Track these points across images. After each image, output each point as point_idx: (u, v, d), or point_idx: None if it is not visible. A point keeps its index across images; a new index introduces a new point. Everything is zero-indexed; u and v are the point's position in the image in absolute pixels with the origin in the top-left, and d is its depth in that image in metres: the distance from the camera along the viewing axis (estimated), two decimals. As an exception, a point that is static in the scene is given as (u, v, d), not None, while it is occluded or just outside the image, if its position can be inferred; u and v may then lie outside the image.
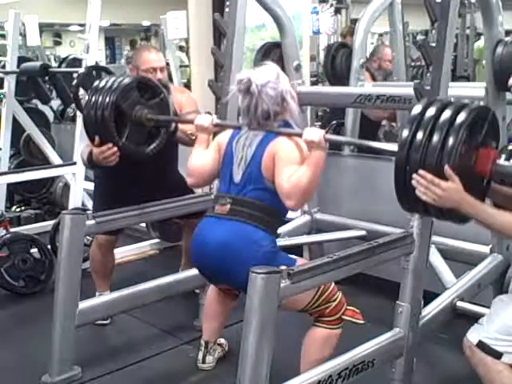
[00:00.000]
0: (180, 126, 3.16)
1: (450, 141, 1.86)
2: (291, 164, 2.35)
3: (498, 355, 2.13)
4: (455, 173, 1.87)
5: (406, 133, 1.93)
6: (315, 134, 2.31)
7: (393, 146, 2.07)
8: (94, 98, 2.88)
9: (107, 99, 2.82)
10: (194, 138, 2.81)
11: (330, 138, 2.35)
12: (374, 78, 4.46)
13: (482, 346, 2.15)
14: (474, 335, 2.19)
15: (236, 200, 2.43)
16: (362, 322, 2.54)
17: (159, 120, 2.98)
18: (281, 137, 2.43)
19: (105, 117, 2.83)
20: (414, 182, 1.90)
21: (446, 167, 1.86)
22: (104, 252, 3.36)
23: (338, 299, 2.48)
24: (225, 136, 2.60)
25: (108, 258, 3.40)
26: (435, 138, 1.88)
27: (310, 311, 2.47)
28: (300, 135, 2.36)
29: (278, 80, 2.45)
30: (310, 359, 2.44)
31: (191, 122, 2.78)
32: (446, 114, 1.91)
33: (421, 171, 1.89)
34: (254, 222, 2.38)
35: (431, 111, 1.93)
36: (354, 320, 2.52)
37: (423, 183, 1.89)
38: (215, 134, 2.70)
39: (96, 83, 2.95)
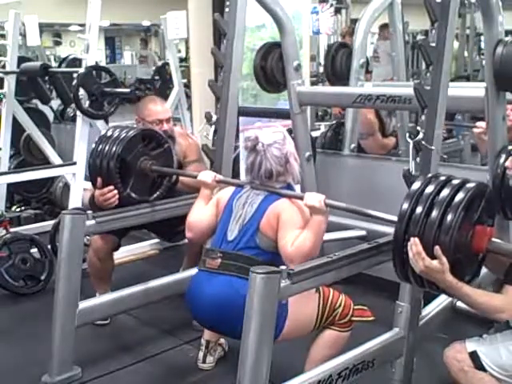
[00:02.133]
0: (182, 179, 3.24)
1: (448, 218, 1.90)
2: (294, 227, 2.37)
3: (483, 370, 2.20)
4: (448, 253, 1.90)
5: (405, 206, 1.97)
6: (315, 199, 2.36)
7: (392, 217, 2.12)
8: (100, 147, 2.95)
9: (113, 150, 2.90)
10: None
11: (331, 204, 2.38)
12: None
13: (474, 356, 2.22)
14: (472, 344, 2.26)
15: (226, 254, 2.43)
16: (371, 318, 2.55)
17: (163, 172, 3.06)
18: (284, 198, 2.46)
19: (110, 167, 2.91)
20: (408, 244, 1.95)
21: (436, 248, 1.91)
22: (102, 258, 3.29)
23: (343, 303, 2.48)
24: (226, 193, 2.61)
25: (105, 264, 3.33)
26: (434, 213, 1.92)
27: (322, 326, 2.48)
28: (301, 198, 2.41)
29: (284, 142, 2.50)
30: (315, 359, 2.45)
31: (194, 177, 2.84)
32: (445, 191, 1.95)
33: (416, 239, 1.93)
34: (243, 275, 2.33)
35: (430, 188, 1.97)
36: (363, 319, 2.53)
37: (413, 250, 1.94)
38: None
39: (102, 133, 3.05)
